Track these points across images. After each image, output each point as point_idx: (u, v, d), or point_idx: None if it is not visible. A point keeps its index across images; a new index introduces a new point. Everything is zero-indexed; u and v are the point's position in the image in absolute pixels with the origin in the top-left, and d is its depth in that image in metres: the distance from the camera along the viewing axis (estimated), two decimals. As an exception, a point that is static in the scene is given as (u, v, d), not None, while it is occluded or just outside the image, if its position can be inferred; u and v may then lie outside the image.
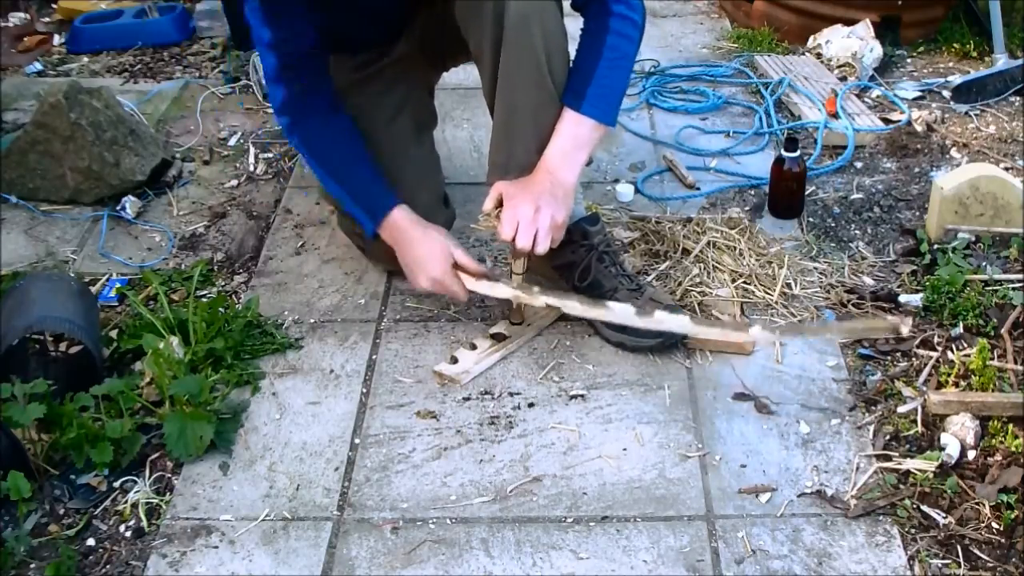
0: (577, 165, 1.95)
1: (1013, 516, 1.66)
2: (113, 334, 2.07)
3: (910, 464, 1.77)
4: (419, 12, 2.17)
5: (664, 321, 1.89)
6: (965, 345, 2.01)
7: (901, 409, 1.89)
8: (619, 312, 1.91)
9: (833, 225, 2.42)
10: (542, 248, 1.90)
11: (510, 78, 1.91)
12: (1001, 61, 3.01)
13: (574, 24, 1.97)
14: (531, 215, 1.88)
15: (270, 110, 2.95)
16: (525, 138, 1.95)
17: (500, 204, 1.94)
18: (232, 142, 2.83)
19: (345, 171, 2.04)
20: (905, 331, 1.80)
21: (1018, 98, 2.97)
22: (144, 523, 1.70)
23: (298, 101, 2.00)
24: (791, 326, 2.05)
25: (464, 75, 2.90)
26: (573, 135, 1.94)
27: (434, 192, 2.21)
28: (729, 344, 2.01)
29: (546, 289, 1.98)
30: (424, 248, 1.98)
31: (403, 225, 1.99)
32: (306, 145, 2.05)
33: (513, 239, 1.89)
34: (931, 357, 1.99)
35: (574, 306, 1.94)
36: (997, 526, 1.65)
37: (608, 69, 1.94)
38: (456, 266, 1.97)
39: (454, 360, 2.01)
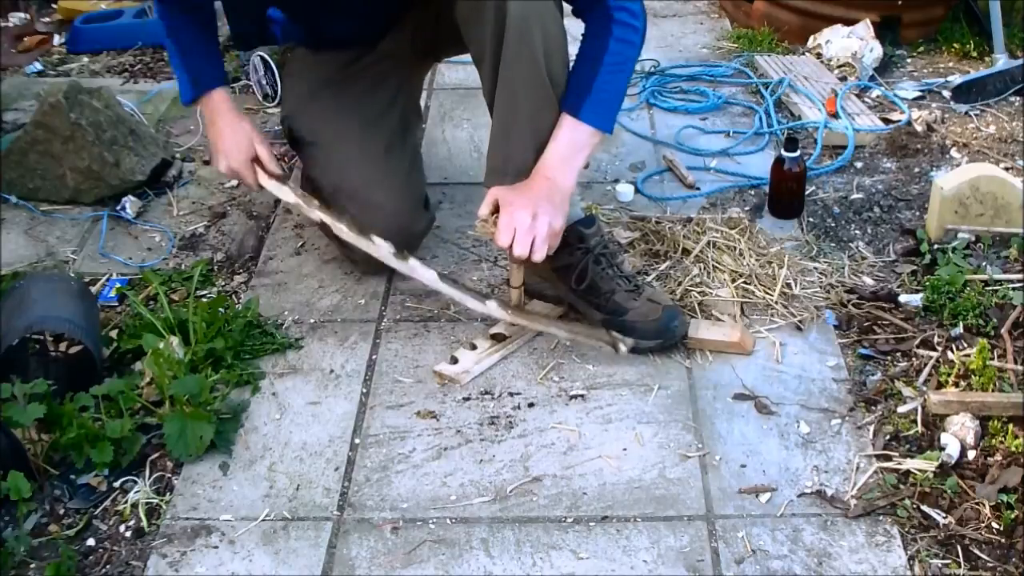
0: (574, 170, 1.95)
1: (1013, 516, 1.66)
2: (113, 334, 2.07)
3: (910, 464, 1.77)
4: (410, 10, 2.17)
5: (415, 269, 2.01)
6: (965, 345, 2.01)
7: (901, 409, 1.89)
8: (380, 246, 2.02)
9: (833, 225, 2.42)
10: (539, 256, 1.90)
11: (509, 80, 1.91)
12: (1001, 61, 3.01)
13: (574, 27, 1.97)
14: (528, 222, 1.88)
15: (270, 110, 2.96)
16: (523, 141, 1.95)
17: (496, 209, 1.94)
18: (232, 142, 2.82)
19: (186, 38, 2.13)
20: (623, 351, 1.95)
21: (1018, 98, 2.97)
22: (144, 523, 1.70)
23: None
24: (524, 314, 2.05)
25: (464, 75, 2.91)
26: (571, 140, 1.93)
27: (415, 194, 2.21)
28: (729, 344, 2.01)
29: (324, 208, 2.08)
30: (231, 136, 2.11)
31: (220, 106, 2.12)
32: (164, 9, 2.14)
33: (510, 246, 1.89)
34: (931, 357, 1.99)
35: (341, 229, 2.05)
36: (997, 526, 1.65)
37: (608, 75, 1.93)
38: (257, 161, 2.11)
39: (454, 360, 2.01)
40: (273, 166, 2.13)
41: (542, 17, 1.88)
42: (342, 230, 2.06)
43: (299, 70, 2.32)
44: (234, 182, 2.63)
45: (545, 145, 1.94)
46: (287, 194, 2.12)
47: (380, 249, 2.03)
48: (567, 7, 1.98)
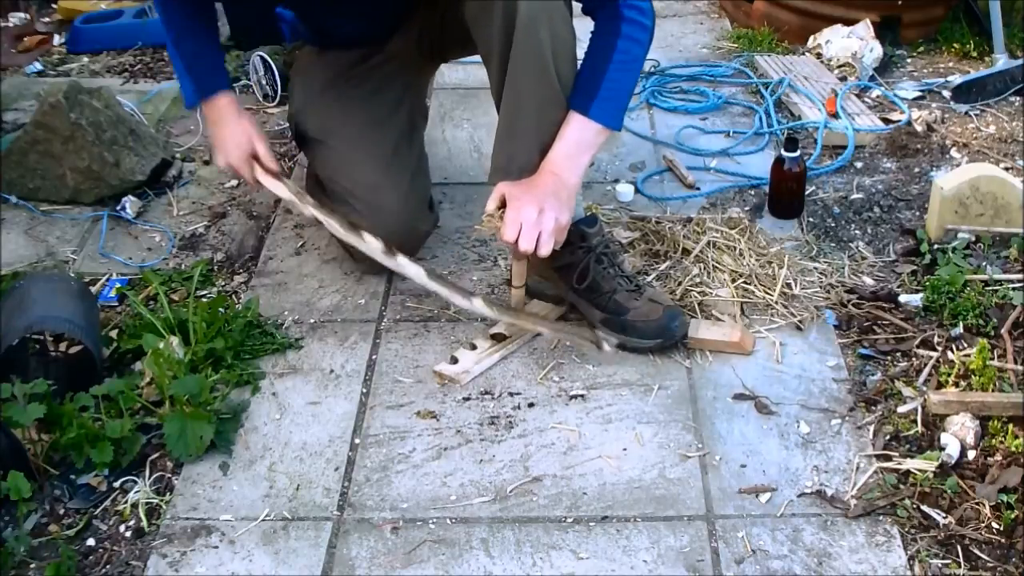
0: (581, 168, 1.95)
1: (1013, 516, 1.66)
2: (113, 334, 2.07)
3: (910, 464, 1.77)
4: (417, 9, 2.18)
5: (404, 267, 2.01)
6: (965, 345, 2.01)
7: (901, 409, 1.89)
8: (370, 244, 2.02)
9: (833, 225, 2.42)
10: (545, 251, 1.90)
11: (516, 78, 1.91)
12: (1001, 61, 3.01)
13: (582, 26, 1.97)
14: (534, 217, 1.88)
15: (270, 110, 2.96)
16: (528, 138, 1.95)
17: (503, 205, 1.94)
18: (232, 142, 2.82)
19: (190, 46, 2.14)
20: (607, 348, 1.94)
21: (1018, 98, 2.97)
22: (144, 523, 1.70)
23: None
24: (508, 311, 2.06)
25: (464, 75, 2.91)
26: (578, 138, 1.94)
27: (420, 195, 2.22)
28: (729, 344, 2.01)
29: (317, 205, 2.09)
30: (231, 133, 2.13)
31: (222, 107, 2.14)
32: (167, 18, 2.15)
33: (516, 241, 1.90)
34: (931, 357, 1.99)
35: (335, 227, 2.06)
36: (997, 526, 1.65)
37: (617, 73, 1.94)
38: (255, 158, 2.12)
39: (454, 360, 2.01)
40: (270, 162, 2.14)
41: (551, 16, 1.88)
42: (333, 227, 2.07)
43: (307, 69, 2.32)
44: (234, 182, 2.63)
45: (550, 143, 1.94)
46: (282, 190, 2.13)
47: (370, 246, 2.03)
48: (576, 6, 1.98)
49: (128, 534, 1.69)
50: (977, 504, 1.69)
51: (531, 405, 1.93)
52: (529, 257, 1.95)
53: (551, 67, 1.89)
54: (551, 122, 1.94)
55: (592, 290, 2.04)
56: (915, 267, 2.25)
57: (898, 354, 2.03)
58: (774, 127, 2.83)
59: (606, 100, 1.93)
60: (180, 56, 2.15)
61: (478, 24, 1.94)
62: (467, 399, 1.94)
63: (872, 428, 1.86)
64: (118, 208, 2.51)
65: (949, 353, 1.99)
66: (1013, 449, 1.76)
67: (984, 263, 2.22)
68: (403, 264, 2.02)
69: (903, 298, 2.15)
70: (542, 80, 1.90)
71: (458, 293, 2.01)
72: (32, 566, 1.63)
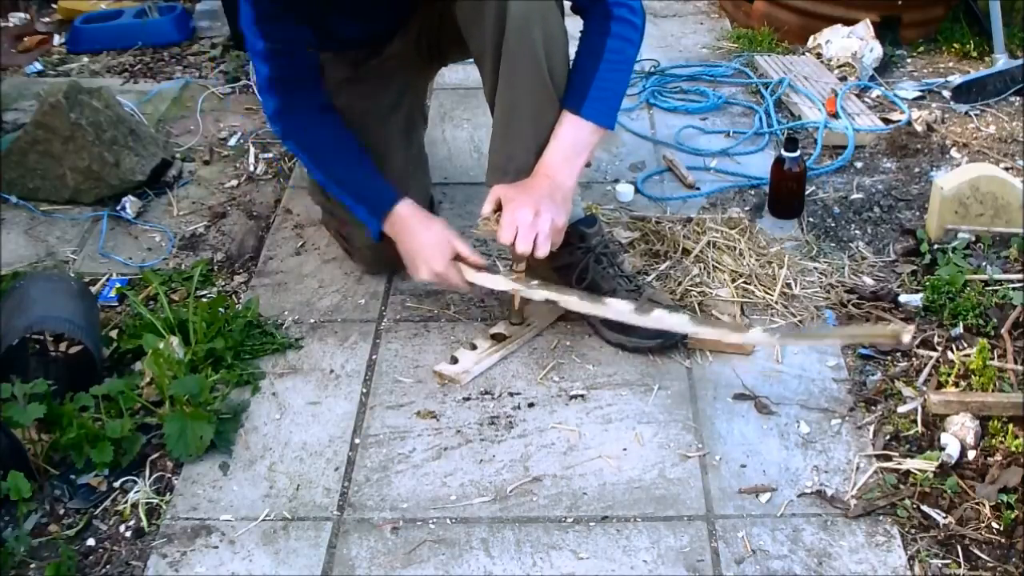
0: (576, 168, 1.95)
1: (1013, 516, 1.66)
2: (113, 334, 2.07)
3: (910, 464, 1.77)
4: (416, 10, 2.18)
5: (663, 319, 1.88)
6: (965, 345, 2.01)
7: (901, 409, 1.89)
8: (617, 309, 1.91)
9: (833, 225, 2.42)
10: (542, 252, 1.90)
11: (510, 79, 1.91)
12: (1001, 61, 3.01)
13: (573, 25, 1.97)
14: (531, 219, 1.88)
15: (270, 110, 2.96)
16: (524, 139, 1.95)
17: (499, 207, 1.94)
18: (232, 142, 2.83)
19: (344, 173, 2.04)
20: (907, 339, 1.79)
21: (1018, 98, 2.97)
22: (144, 523, 1.70)
23: (290, 108, 2.01)
24: (791, 330, 2.05)
25: (464, 75, 2.91)
26: (573, 138, 1.94)
27: (420, 196, 2.21)
28: (729, 344, 2.01)
29: (545, 284, 1.98)
30: (426, 239, 1.97)
31: (407, 217, 1.99)
32: (303, 150, 2.07)
33: (513, 243, 1.89)
34: (931, 357, 1.99)
35: (573, 301, 1.94)
36: (997, 526, 1.65)
37: (609, 72, 1.94)
38: (458, 258, 1.97)
39: (454, 360, 2.01)
40: (477, 259, 1.98)
41: (543, 16, 1.88)
42: (574, 303, 1.93)
43: None
44: (234, 182, 2.64)
45: (546, 143, 1.94)
46: (501, 283, 1.98)
47: (619, 311, 1.91)
48: (567, 5, 1.98)
49: (128, 534, 1.69)
50: (977, 504, 1.69)
51: (531, 405, 1.93)
52: (528, 258, 1.95)
53: (544, 67, 1.89)
54: (546, 121, 1.94)
55: (592, 290, 2.03)
56: (915, 267, 2.25)
57: (898, 354, 2.03)
58: (774, 127, 2.83)
59: (598, 99, 1.93)
60: (339, 186, 2.04)
61: (470, 24, 1.94)
62: (467, 399, 1.94)
63: (872, 428, 1.86)
64: (118, 208, 2.51)
65: (949, 353, 1.99)
66: (1013, 449, 1.76)
67: (984, 263, 2.22)
68: (662, 317, 1.89)
69: (903, 298, 2.15)
70: (536, 80, 1.90)
71: (731, 330, 1.93)
72: (32, 566, 1.63)
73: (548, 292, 1.95)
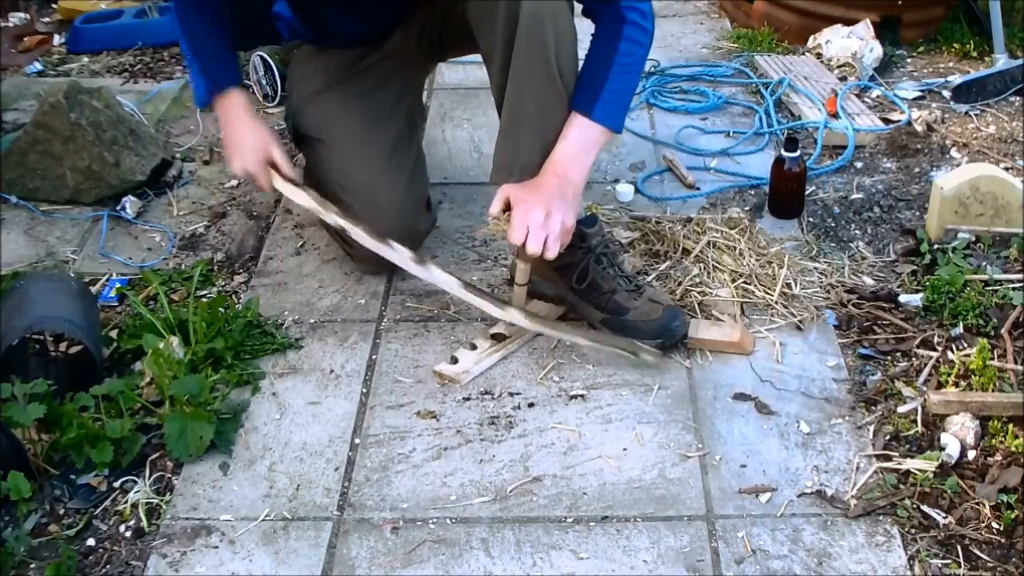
0: (585, 169, 1.96)
1: (1013, 516, 1.66)
2: (113, 334, 2.07)
3: (910, 464, 1.77)
4: (417, 7, 2.18)
5: (436, 275, 1.98)
6: (965, 345, 2.01)
7: (901, 409, 1.89)
8: (402, 255, 2.00)
9: (833, 225, 2.42)
10: (552, 253, 1.91)
11: (519, 78, 1.91)
12: (1001, 61, 3.01)
13: (581, 28, 1.97)
14: (541, 220, 1.89)
15: (271, 110, 2.96)
16: (531, 138, 1.95)
17: (508, 207, 1.94)
18: (232, 142, 2.82)
19: (204, 42, 2.12)
20: (651, 360, 1.93)
21: (1018, 98, 2.97)
22: (144, 523, 1.70)
23: None
24: (542, 321, 2.03)
25: (464, 75, 2.91)
26: (582, 139, 1.94)
27: (418, 195, 2.22)
28: (729, 344, 2.02)
29: (342, 212, 2.05)
30: (247, 137, 2.10)
31: (236, 107, 2.11)
32: (182, 14, 2.14)
33: (522, 244, 1.90)
34: (931, 357, 1.99)
35: (359, 234, 2.02)
36: (997, 526, 1.65)
37: (619, 75, 1.94)
38: (272, 164, 2.09)
39: (454, 360, 2.01)
40: (288, 169, 2.10)
41: (554, 16, 1.88)
42: (361, 235, 2.03)
43: (305, 67, 2.32)
44: (234, 182, 2.63)
45: (552, 143, 1.94)
46: (302, 198, 2.09)
47: (400, 255, 2.01)
48: (577, 7, 1.98)
49: (128, 534, 1.69)
50: (977, 504, 1.69)
51: (531, 405, 1.93)
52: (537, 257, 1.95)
53: (554, 66, 1.90)
54: (553, 121, 1.94)
55: (592, 290, 2.04)
56: (915, 267, 2.25)
57: (898, 354, 2.03)
58: (774, 127, 2.83)
59: (609, 102, 1.93)
60: (191, 48, 2.12)
61: (481, 22, 1.94)
62: (467, 399, 1.94)
63: (872, 428, 1.86)
64: (118, 208, 2.51)
65: (949, 353, 1.99)
66: (1013, 449, 1.76)
67: (984, 263, 2.22)
68: (435, 273, 2.00)
69: (903, 298, 2.15)
70: (545, 79, 1.90)
71: (492, 303, 1.99)
72: (32, 566, 1.63)
73: (342, 220, 2.03)
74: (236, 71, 2.17)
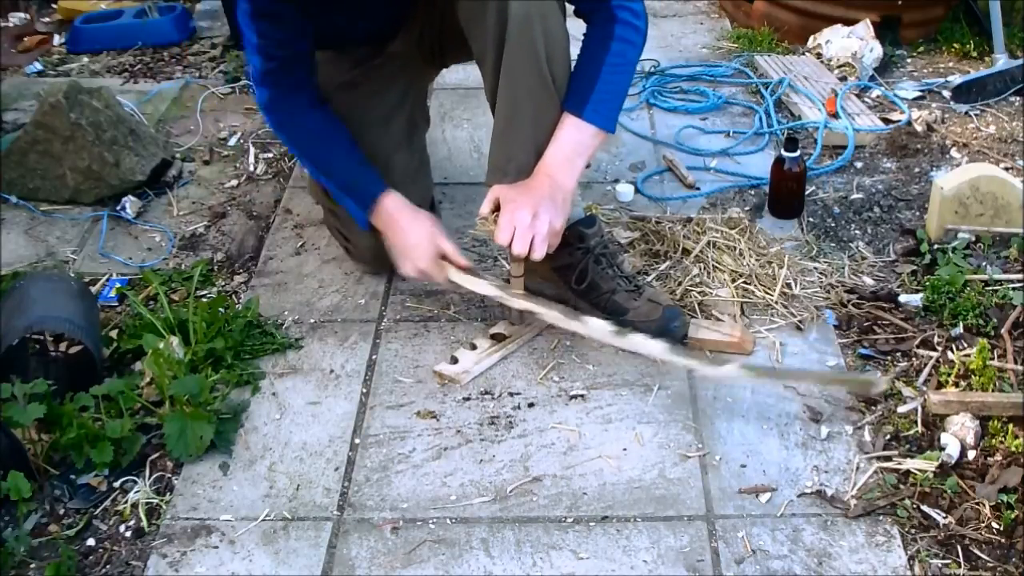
0: (577, 170, 1.95)
1: (1013, 516, 1.66)
2: (113, 334, 2.07)
3: (910, 464, 1.77)
4: (418, 10, 2.18)
5: (638, 344, 1.89)
6: (965, 345, 2.01)
7: (901, 409, 1.89)
8: (596, 327, 1.91)
9: (833, 225, 2.42)
10: (538, 254, 1.90)
11: (511, 79, 1.91)
12: (1001, 61, 3.01)
13: (574, 27, 1.97)
14: (529, 220, 1.88)
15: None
16: (524, 140, 1.95)
17: (497, 207, 1.94)
18: (232, 142, 2.83)
19: (332, 163, 2.07)
20: (879, 389, 1.87)
21: (1018, 98, 2.97)
22: (144, 523, 1.70)
23: (282, 100, 2.03)
24: (769, 370, 1.99)
25: (464, 75, 2.90)
26: (574, 140, 1.94)
27: (422, 196, 2.21)
28: (729, 344, 2.01)
29: (528, 295, 1.99)
30: (413, 236, 2.00)
31: (393, 211, 2.02)
32: (293, 141, 2.11)
33: (510, 244, 1.89)
34: (931, 357, 1.99)
35: (553, 316, 1.95)
36: (997, 526, 1.65)
37: (611, 75, 1.94)
38: (444, 257, 1.99)
39: (454, 360, 2.01)
40: (461, 260, 2.01)
41: (544, 17, 1.88)
42: (556, 317, 1.94)
43: None
44: (234, 182, 2.64)
45: (546, 144, 1.94)
46: (483, 287, 2.00)
47: (596, 329, 1.92)
48: (569, 7, 1.98)
49: (128, 534, 1.69)
50: (977, 504, 1.69)
51: (531, 405, 1.93)
52: (525, 259, 1.95)
53: (545, 67, 1.89)
54: (547, 122, 1.94)
55: (591, 290, 2.04)
56: (915, 267, 2.25)
57: (898, 354, 2.03)
58: (774, 127, 2.83)
59: (600, 102, 1.93)
60: (330, 180, 2.07)
61: (471, 24, 1.94)
62: (467, 399, 1.94)
63: (872, 428, 1.86)
64: (118, 208, 2.51)
65: (949, 353, 1.99)
66: (1013, 449, 1.76)
67: (984, 263, 2.22)
68: (639, 343, 1.90)
69: (903, 298, 2.15)
70: (537, 80, 1.90)
71: (705, 362, 1.90)
72: (32, 566, 1.63)
73: (530, 304, 1.96)
74: (377, 177, 2.05)
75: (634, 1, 1.95)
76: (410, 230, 2.00)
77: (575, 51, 1.97)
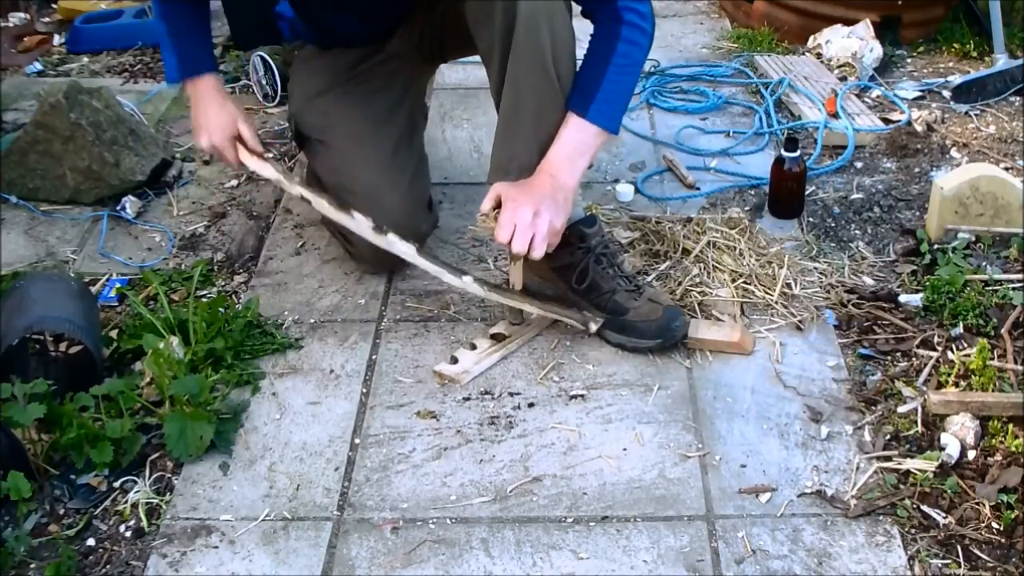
0: (579, 170, 1.95)
1: (1013, 516, 1.66)
2: (113, 334, 2.07)
3: (910, 464, 1.77)
4: (418, 8, 2.18)
5: (392, 244, 2.00)
6: (965, 345, 2.01)
7: (901, 409, 1.89)
8: (359, 222, 2.02)
9: (833, 225, 2.43)
10: (538, 253, 1.91)
11: (516, 78, 1.91)
12: (1001, 61, 3.01)
13: (580, 28, 1.97)
14: (529, 219, 1.88)
15: (271, 110, 2.96)
16: (527, 138, 1.95)
17: (499, 205, 1.94)
18: (232, 142, 2.82)
19: (185, 27, 2.13)
20: (593, 328, 1.99)
21: (1018, 98, 2.97)
22: (144, 523, 1.70)
23: None
24: (497, 288, 2.06)
25: (464, 75, 2.91)
26: (577, 140, 1.94)
27: (420, 196, 2.22)
28: (729, 344, 2.02)
29: (308, 187, 2.11)
30: (215, 114, 2.12)
31: (209, 89, 2.13)
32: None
33: (509, 242, 1.89)
34: (931, 357, 1.99)
35: (321, 203, 2.07)
36: (997, 526, 1.65)
37: (616, 76, 1.94)
38: (240, 140, 2.12)
39: (454, 360, 2.01)
40: (255, 144, 2.13)
41: (551, 17, 1.88)
42: (323, 206, 2.07)
43: (307, 68, 2.32)
44: (235, 182, 2.64)
45: (550, 143, 1.94)
46: (268, 170, 2.13)
47: (359, 224, 2.03)
48: (576, 7, 1.98)
49: (128, 534, 1.69)
50: (977, 504, 1.69)
51: (531, 405, 1.93)
52: (525, 258, 1.95)
53: (551, 67, 1.89)
54: (551, 122, 1.94)
55: (592, 290, 2.03)
56: (915, 267, 2.25)
57: (898, 354, 2.03)
58: (774, 127, 2.83)
59: (605, 103, 1.93)
60: (168, 31, 2.13)
61: (479, 23, 1.94)
62: (467, 399, 1.94)
63: (872, 428, 1.86)
64: (118, 208, 2.51)
65: (949, 353, 1.99)
66: (1013, 449, 1.76)
67: (984, 263, 2.22)
68: (393, 242, 2.02)
69: (903, 298, 2.15)
70: (542, 80, 1.90)
71: (449, 271, 2.02)
72: (32, 566, 1.63)
73: (305, 191, 2.08)
74: (213, 59, 2.19)
75: (641, 2, 1.95)
76: (215, 110, 2.11)
77: (581, 51, 1.97)
